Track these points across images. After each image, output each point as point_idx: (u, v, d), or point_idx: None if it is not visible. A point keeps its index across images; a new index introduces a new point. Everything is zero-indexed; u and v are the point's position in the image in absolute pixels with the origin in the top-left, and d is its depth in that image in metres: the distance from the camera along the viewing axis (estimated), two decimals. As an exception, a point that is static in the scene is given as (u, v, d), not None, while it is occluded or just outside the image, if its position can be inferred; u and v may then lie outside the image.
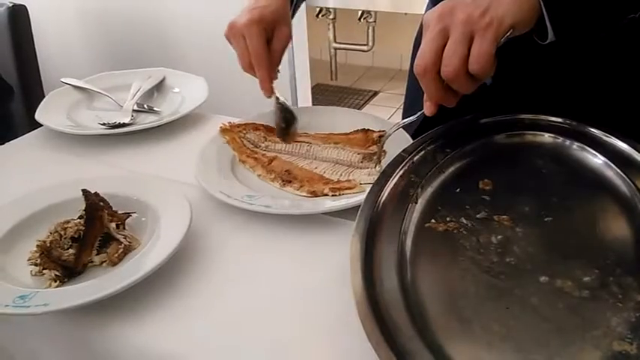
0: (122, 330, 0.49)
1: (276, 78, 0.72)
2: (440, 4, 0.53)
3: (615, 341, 0.38)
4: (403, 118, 0.86)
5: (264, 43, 0.68)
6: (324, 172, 0.67)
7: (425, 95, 0.56)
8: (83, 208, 0.57)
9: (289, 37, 0.72)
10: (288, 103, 0.74)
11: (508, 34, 0.51)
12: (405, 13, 2.45)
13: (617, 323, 0.39)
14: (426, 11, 0.60)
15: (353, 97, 3.06)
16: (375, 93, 3.10)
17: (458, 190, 0.54)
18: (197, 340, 0.48)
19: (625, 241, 0.47)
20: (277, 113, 0.73)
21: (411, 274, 0.45)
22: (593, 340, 0.38)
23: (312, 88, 2.38)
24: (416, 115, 0.61)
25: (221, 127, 0.76)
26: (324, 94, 3.03)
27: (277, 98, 0.72)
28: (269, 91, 0.72)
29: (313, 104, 2.46)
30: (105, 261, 0.55)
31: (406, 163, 0.57)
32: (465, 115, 0.64)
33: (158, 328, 0.49)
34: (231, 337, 0.48)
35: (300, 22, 1.75)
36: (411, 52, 0.79)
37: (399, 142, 0.67)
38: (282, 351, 0.46)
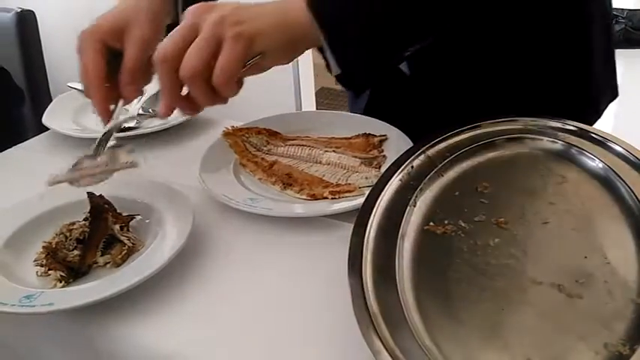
0: (126, 330, 0.50)
1: (142, 94, 0.60)
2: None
3: (609, 343, 0.38)
4: None
5: (94, 60, 0.56)
6: (323, 176, 0.67)
7: (160, 93, 0.51)
8: (88, 210, 0.58)
9: (147, 36, 0.57)
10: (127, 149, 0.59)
11: (257, 57, 0.50)
12: (410, 18, 2.45)
13: (612, 325, 0.40)
14: None
15: (358, 101, 3.07)
16: (380, 97, 3.10)
17: (457, 193, 0.55)
18: (201, 340, 0.49)
19: (621, 244, 0.47)
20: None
21: (408, 276, 0.45)
22: (587, 342, 0.39)
23: (317, 92, 2.39)
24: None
25: (224, 131, 0.77)
26: (328, 98, 3.04)
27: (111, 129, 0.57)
28: (106, 116, 0.58)
29: (317, 108, 2.47)
30: (109, 262, 0.56)
31: (405, 167, 0.57)
32: (459, 119, 0.64)
33: (161, 328, 0.50)
34: (233, 337, 0.49)
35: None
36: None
37: (399, 146, 0.67)
38: (283, 352, 0.47)
